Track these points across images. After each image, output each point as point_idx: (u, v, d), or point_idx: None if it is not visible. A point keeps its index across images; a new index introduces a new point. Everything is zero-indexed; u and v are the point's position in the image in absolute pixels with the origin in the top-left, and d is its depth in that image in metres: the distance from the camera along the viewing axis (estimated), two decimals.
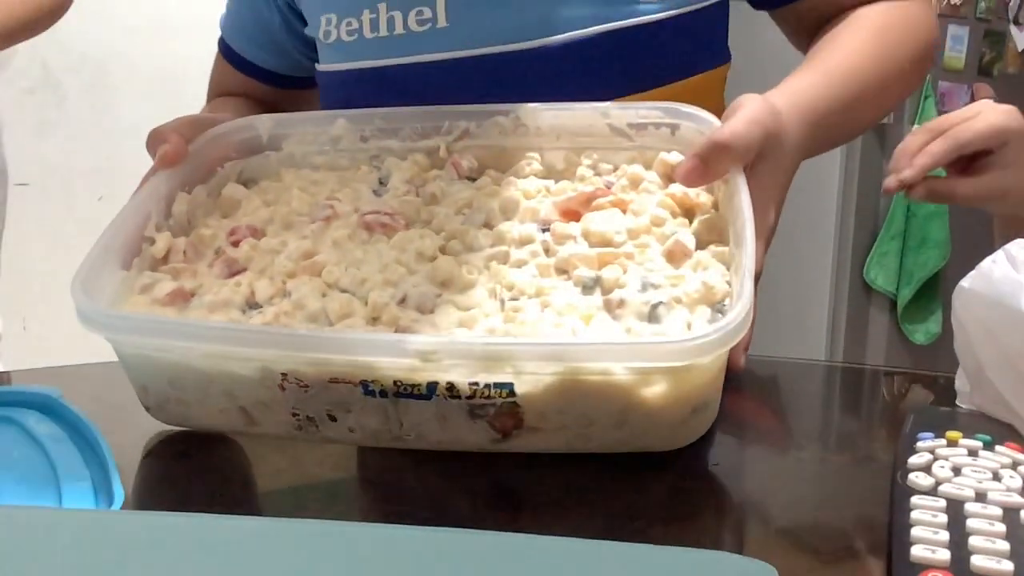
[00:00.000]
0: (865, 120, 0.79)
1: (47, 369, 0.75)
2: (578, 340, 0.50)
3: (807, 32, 0.80)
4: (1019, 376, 0.48)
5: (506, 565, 0.33)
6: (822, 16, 0.79)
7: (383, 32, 0.76)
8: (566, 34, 0.74)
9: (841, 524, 0.48)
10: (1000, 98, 0.77)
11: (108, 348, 0.56)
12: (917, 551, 0.37)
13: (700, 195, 0.60)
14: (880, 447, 0.61)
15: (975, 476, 0.43)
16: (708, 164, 0.57)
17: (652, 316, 0.51)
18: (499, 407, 0.49)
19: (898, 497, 0.42)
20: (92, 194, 2.01)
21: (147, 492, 0.53)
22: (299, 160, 0.69)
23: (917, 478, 0.43)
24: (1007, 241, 0.50)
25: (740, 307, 0.48)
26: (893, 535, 0.40)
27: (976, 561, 0.36)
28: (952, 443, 0.46)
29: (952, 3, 2.50)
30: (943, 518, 0.40)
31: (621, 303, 0.52)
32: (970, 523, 0.39)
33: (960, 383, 0.53)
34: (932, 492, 0.42)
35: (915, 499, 0.41)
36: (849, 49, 0.73)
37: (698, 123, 0.62)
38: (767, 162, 0.59)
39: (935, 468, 0.44)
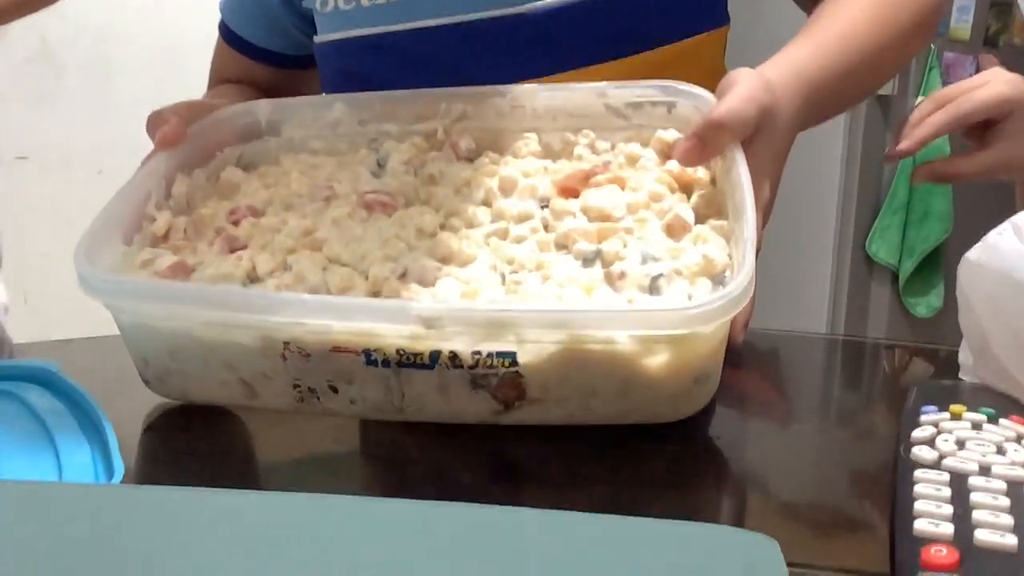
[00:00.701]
0: (865, 87, 0.78)
1: (47, 343, 0.75)
2: (581, 307, 0.50)
3: None
4: None
5: (507, 538, 0.33)
6: None
7: None
8: None
9: (842, 497, 0.48)
10: (1005, 69, 0.76)
11: (108, 322, 0.56)
12: (920, 525, 0.37)
13: (698, 171, 0.60)
14: (881, 420, 0.61)
15: (979, 450, 0.42)
16: (705, 143, 0.57)
17: (653, 288, 0.51)
18: (501, 377, 0.49)
19: (901, 471, 0.42)
20: (91, 168, 2.00)
21: (148, 466, 0.53)
22: (298, 145, 0.69)
23: (920, 451, 0.43)
24: None
25: (742, 276, 0.47)
26: (896, 509, 0.40)
27: (980, 535, 0.36)
28: (956, 416, 0.46)
29: None
30: (947, 492, 0.39)
31: (622, 275, 0.52)
32: (974, 497, 0.39)
33: (964, 356, 0.53)
34: (935, 466, 0.42)
35: (918, 472, 0.41)
36: (848, 15, 0.71)
37: (695, 100, 0.62)
38: (763, 137, 0.59)
39: (939, 441, 0.43)
